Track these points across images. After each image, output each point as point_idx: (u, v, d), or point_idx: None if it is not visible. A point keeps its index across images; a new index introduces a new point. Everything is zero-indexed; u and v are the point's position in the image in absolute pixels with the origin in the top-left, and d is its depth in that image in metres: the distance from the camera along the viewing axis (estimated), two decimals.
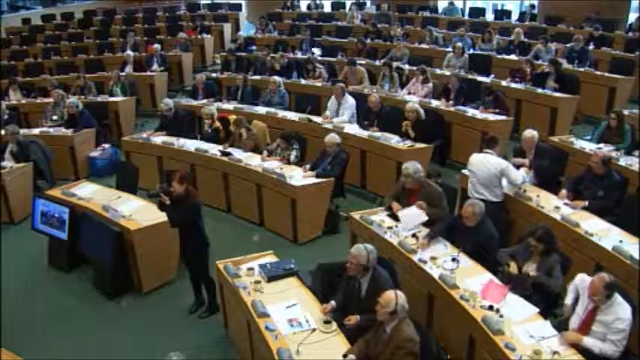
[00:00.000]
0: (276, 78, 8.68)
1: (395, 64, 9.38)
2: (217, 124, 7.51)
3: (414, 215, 4.97)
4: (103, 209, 5.58)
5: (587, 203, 5.17)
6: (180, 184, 4.66)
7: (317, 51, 11.06)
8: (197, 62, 12.63)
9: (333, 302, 4.02)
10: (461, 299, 3.96)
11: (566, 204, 5.26)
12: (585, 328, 3.67)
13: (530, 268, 4.26)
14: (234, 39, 12.83)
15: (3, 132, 7.34)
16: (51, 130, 8.14)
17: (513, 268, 4.27)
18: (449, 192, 5.39)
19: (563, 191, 5.42)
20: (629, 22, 12.01)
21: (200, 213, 4.88)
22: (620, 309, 3.56)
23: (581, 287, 3.82)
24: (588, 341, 3.57)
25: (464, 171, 5.80)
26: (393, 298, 3.47)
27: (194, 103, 8.78)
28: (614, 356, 3.55)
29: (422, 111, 6.95)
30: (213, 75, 10.37)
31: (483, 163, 5.38)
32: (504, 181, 5.42)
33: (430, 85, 8.44)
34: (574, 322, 3.78)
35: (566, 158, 6.16)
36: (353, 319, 3.87)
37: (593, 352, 3.54)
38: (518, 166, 5.61)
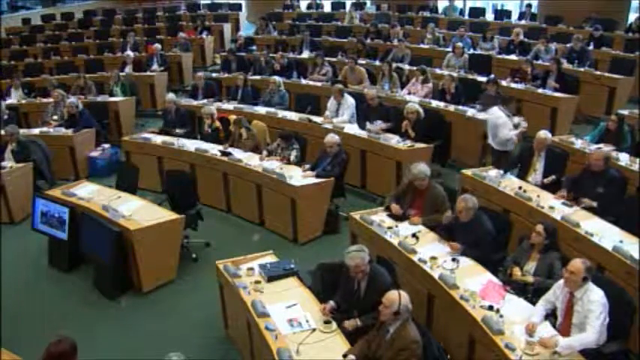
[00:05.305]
0: (276, 78, 8.68)
1: (395, 64, 9.37)
2: (217, 124, 7.52)
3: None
4: (103, 209, 5.57)
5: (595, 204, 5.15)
6: None
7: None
8: (197, 62, 12.62)
9: (332, 302, 4.01)
10: (461, 299, 3.96)
11: (564, 203, 5.26)
12: (567, 322, 3.71)
13: (529, 267, 4.26)
14: (234, 39, 12.83)
15: (3, 132, 7.34)
16: (51, 130, 8.14)
17: (517, 271, 4.27)
18: (449, 193, 5.38)
19: (562, 192, 5.42)
20: (629, 22, 11.99)
21: None
22: (592, 293, 3.64)
23: (557, 293, 3.83)
24: (564, 343, 3.49)
25: None
26: (396, 298, 3.46)
27: (194, 103, 8.77)
28: (595, 342, 3.52)
29: (422, 111, 6.95)
30: (214, 75, 10.36)
31: (491, 113, 6.47)
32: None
33: (430, 85, 8.43)
34: (558, 323, 3.80)
35: (567, 158, 6.16)
36: (352, 324, 3.88)
37: (576, 349, 3.48)
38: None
